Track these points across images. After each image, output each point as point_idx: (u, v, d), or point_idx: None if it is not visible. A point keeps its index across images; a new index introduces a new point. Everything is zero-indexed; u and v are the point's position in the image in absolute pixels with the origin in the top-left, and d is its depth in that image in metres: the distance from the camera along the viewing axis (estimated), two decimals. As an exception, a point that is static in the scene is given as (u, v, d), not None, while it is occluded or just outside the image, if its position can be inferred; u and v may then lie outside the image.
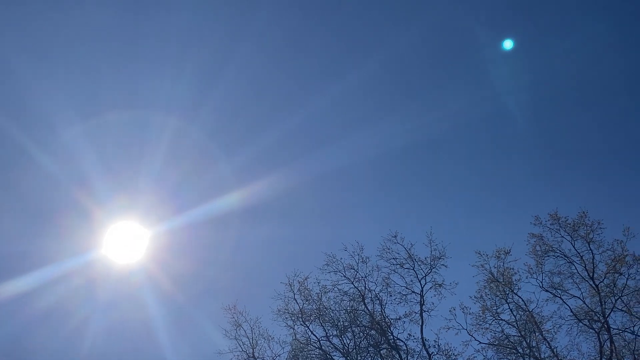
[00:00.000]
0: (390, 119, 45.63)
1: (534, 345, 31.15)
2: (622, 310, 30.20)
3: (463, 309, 31.48)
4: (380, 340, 31.86)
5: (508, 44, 42.50)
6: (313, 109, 43.72)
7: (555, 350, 30.55)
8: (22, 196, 40.49)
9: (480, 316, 31.46)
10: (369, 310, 32.21)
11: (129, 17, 40.66)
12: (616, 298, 29.79)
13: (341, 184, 48.25)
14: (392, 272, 32.20)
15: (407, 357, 31.25)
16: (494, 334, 31.44)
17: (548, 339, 30.80)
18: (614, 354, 29.24)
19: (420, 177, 49.79)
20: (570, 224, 30.98)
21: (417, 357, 31.52)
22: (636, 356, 29.86)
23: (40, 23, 39.47)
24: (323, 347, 32.15)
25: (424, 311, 31.56)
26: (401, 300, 32.09)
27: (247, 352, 32.35)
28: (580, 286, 30.87)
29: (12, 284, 36.03)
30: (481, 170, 47.61)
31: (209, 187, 42.38)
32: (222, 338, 33.06)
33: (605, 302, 29.86)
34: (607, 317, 29.63)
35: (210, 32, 42.16)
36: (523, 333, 31.09)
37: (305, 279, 32.80)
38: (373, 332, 32.05)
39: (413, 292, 31.98)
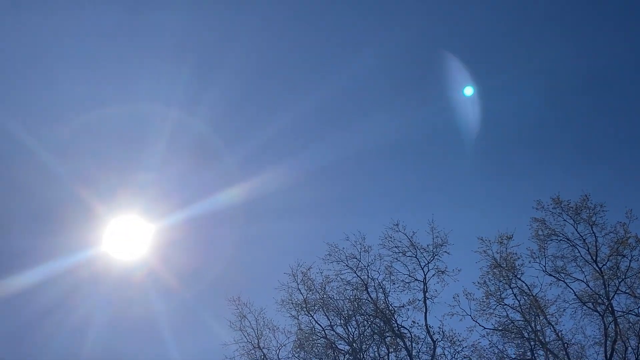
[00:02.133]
0: (388, 112, 45.42)
1: (538, 329, 31.21)
2: (626, 293, 30.05)
3: (467, 295, 31.49)
4: (384, 328, 31.94)
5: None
6: (314, 102, 43.47)
7: (560, 333, 30.55)
8: (22, 192, 40.54)
9: (484, 302, 31.45)
10: (372, 298, 32.28)
11: (128, 11, 40.49)
12: (620, 280, 29.68)
13: (342, 177, 48.02)
14: (395, 260, 32.20)
15: (411, 344, 31.32)
16: (498, 319, 31.47)
17: (552, 323, 30.79)
18: (618, 336, 29.22)
19: (419, 165, 49.52)
20: (572, 208, 30.82)
21: (422, 344, 31.62)
22: (641, 338, 29.85)
23: (40, 18, 39.35)
24: (328, 336, 32.30)
25: (428, 298, 31.60)
26: (404, 288, 32.12)
27: (253, 342, 32.58)
28: (583, 269, 30.77)
29: (14, 280, 36.15)
30: (481, 156, 47.27)
31: (211, 181, 42.35)
32: (225, 332, 33.28)
33: (608, 285, 29.77)
34: (611, 299, 29.56)
35: (209, 25, 41.95)
36: (527, 317, 31.08)
37: (308, 269, 32.95)
38: (377, 320, 32.14)
39: (416, 279, 31.98)
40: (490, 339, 31.44)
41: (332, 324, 32.45)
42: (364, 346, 32.09)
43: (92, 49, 40.68)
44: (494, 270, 31.41)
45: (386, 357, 31.85)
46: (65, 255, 37.41)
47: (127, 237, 38.82)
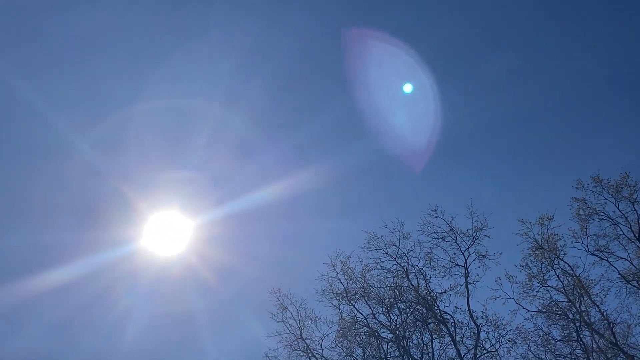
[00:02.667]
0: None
1: (583, 309, 30.87)
2: (672, 269, 29.81)
3: (509, 278, 31.28)
4: (427, 314, 31.79)
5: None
6: (353, 101, 43.25)
7: (605, 313, 30.27)
8: (66, 187, 40.92)
9: (527, 284, 31.20)
10: (413, 285, 32.12)
11: (171, 10, 40.78)
12: (665, 256, 29.42)
13: (381, 174, 47.78)
14: (435, 246, 32.06)
15: (455, 329, 31.15)
16: (542, 301, 31.24)
17: (597, 303, 30.51)
18: (665, 314, 28.92)
19: (459, 150, 48.96)
20: (612, 186, 30.53)
21: (465, 329, 31.47)
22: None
23: (84, 18, 39.78)
24: (370, 325, 32.17)
25: (469, 283, 31.41)
26: (445, 274, 31.95)
27: (295, 333, 32.51)
28: (626, 247, 30.43)
29: (57, 273, 36.52)
30: (519, 138, 46.80)
31: (250, 179, 42.41)
32: (263, 329, 33.33)
33: (653, 262, 29.51)
34: (657, 276, 29.30)
35: (252, 22, 41.88)
36: (571, 298, 30.78)
37: (348, 259, 32.90)
38: (419, 307, 31.99)
39: (457, 264, 31.79)
40: (534, 322, 31.35)
41: (374, 312, 32.35)
42: (407, 333, 31.96)
43: (135, 46, 40.92)
44: (536, 252, 31.13)
45: (430, 343, 31.70)
46: (106, 249, 37.74)
47: (166, 232, 39.03)
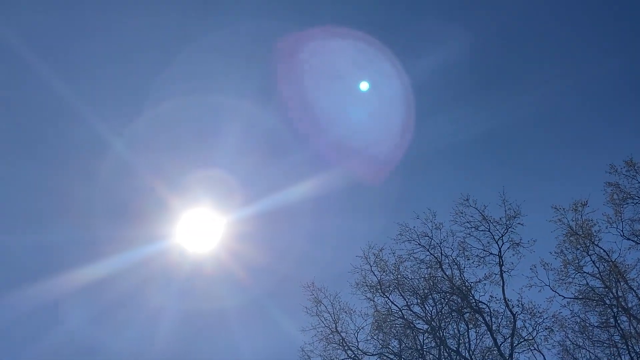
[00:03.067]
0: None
1: (620, 295, 30.61)
2: None
3: (544, 265, 31.08)
4: (462, 304, 31.70)
5: None
6: (388, 99, 43.10)
7: (642, 298, 30.04)
8: (101, 184, 41.27)
9: (562, 271, 31.02)
10: (447, 275, 32.03)
11: (201, 3, 41.00)
12: (702, 238, 29.14)
13: (412, 173, 47.64)
14: (468, 235, 31.87)
15: (491, 318, 31.06)
16: (578, 288, 31.01)
17: (634, 288, 30.23)
18: None
19: (490, 140, 48.66)
20: (646, 169, 30.32)
21: (501, 318, 31.38)
22: None
23: (120, 17, 40.24)
24: (405, 316, 32.15)
25: (504, 271, 31.24)
26: (479, 263, 31.82)
27: (330, 327, 32.52)
28: (662, 230, 30.24)
29: (92, 269, 36.94)
30: (551, 125, 46.44)
31: (281, 176, 42.41)
32: (295, 327, 33.41)
33: (690, 244, 29.24)
34: (694, 259, 29.03)
35: (285, 17, 41.86)
36: (608, 284, 30.51)
37: (380, 251, 32.83)
38: (454, 297, 31.89)
39: (491, 253, 31.63)
40: (571, 308, 31.17)
41: (409, 303, 32.31)
42: (442, 324, 31.89)
43: (166, 44, 41.14)
44: (571, 239, 30.92)
45: (466, 333, 31.66)
46: (140, 246, 38.04)
47: (198, 230, 39.22)
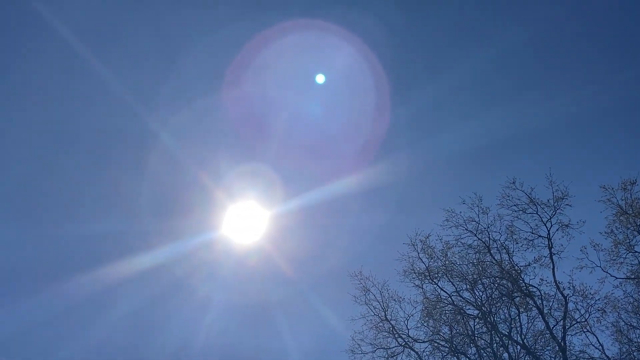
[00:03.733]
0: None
1: (674, 273, 30.28)
2: None
3: (594, 246, 30.61)
4: (512, 288, 31.49)
5: None
6: (431, 95, 43.01)
7: (697, 275, 29.63)
8: (150, 176, 41.78)
9: (613, 251, 30.53)
10: (496, 260, 31.84)
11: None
12: None
13: (456, 169, 47.40)
14: (515, 219, 31.51)
15: (542, 302, 30.82)
16: (630, 267, 30.46)
17: (688, 265, 29.88)
18: None
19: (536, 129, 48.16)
20: (697, 144, 29.97)
21: (553, 301, 31.12)
22: None
23: (164, 8, 40.76)
24: (455, 302, 32.05)
25: (554, 254, 30.90)
26: (528, 246, 31.50)
27: (379, 315, 32.57)
28: None
29: (141, 260, 37.45)
30: (595, 103, 45.82)
31: (326, 170, 42.47)
32: (340, 319, 33.47)
33: None
34: None
35: (328, 15, 41.89)
36: (661, 262, 30.21)
37: (427, 237, 32.75)
38: (504, 281, 31.70)
39: (539, 236, 31.29)
40: (623, 289, 30.69)
41: (458, 289, 32.19)
42: (493, 309, 31.76)
43: (212, 35, 41.40)
44: (621, 218, 30.48)
45: (517, 317, 31.45)
46: (188, 237, 38.41)
47: (244, 223, 39.52)
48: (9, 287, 42.32)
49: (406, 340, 32.10)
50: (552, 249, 30.99)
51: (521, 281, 31.33)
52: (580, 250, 30.74)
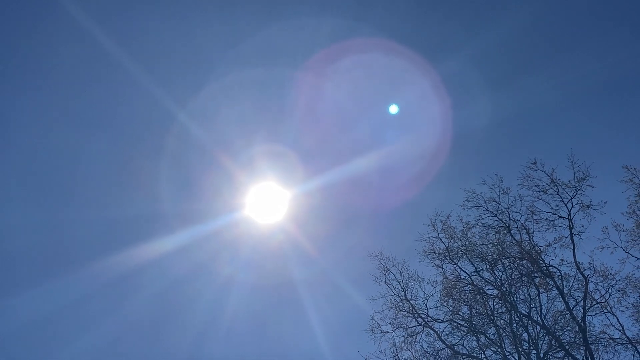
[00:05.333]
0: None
1: (697, 253, 30.09)
2: None
3: (615, 226, 30.48)
4: (532, 269, 31.51)
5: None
6: (452, 68, 42.62)
7: None
8: (170, 158, 42.24)
9: (635, 232, 30.37)
10: (516, 240, 31.85)
11: None
12: None
13: (481, 142, 47.08)
14: (536, 199, 31.46)
15: (562, 282, 30.82)
16: (652, 248, 30.52)
17: None
18: None
19: (558, 103, 47.59)
20: None
21: (573, 282, 31.14)
22: None
23: None
24: (474, 282, 32.18)
25: (574, 235, 30.78)
26: (549, 227, 31.40)
27: (399, 295, 32.78)
28: None
29: (164, 242, 38.13)
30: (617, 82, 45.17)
31: (346, 148, 42.49)
32: (362, 296, 33.66)
33: None
34: None
35: None
36: (683, 243, 30.02)
37: (448, 217, 32.87)
38: (524, 262, 31.71)
39: (560, 217, 31.22)
40: (645, 269, 30.61)
41: (478, 269, 32.27)
42: (512, 289, 31.82)
43: (231, 15, 41.49)
44: (643, 199, 30.42)
45: (537, 298, 31.51)
46: (210, 219, 38.89)
47: (265, 203, 39.91)
48: (35, 271, 43.19)
49: (425, 319, 32.30)
50: (573, 230, 30.89)
51: (541, 261, 31.33)
52: (602, 230, 30.69)
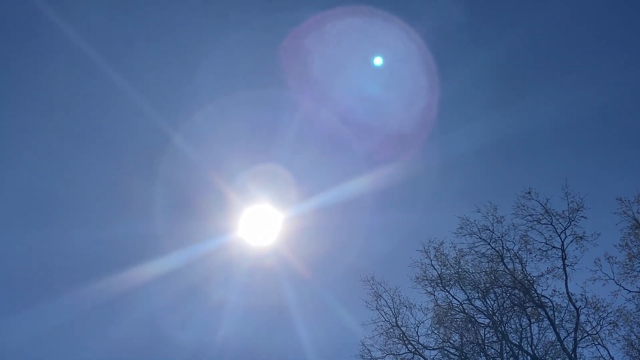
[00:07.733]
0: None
1: (689, 287, 30.11)
2: None
3: (608, 258, 30.45)
4: (524, 298, 31.45)
5: None
6: (449, 90, 42.77)
7: None
8: (162, 179, 41.98)
9: (628, 264, 30.38)
10: (509, 269, 31.80)
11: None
12: None
13: (475, 166, 47.16)
14: (530, 229, 31.45)
15: (554, 313, 30.77)
16: (644, 281, 30.52)
17: (702, 281, 29.70)
18: None
19: (553, 133, 47.70)
20: None
21: (564, 312, 31.07)
22: None
23: (176, 12, 40.95)
24: (466, 311, 32.06)
25: (567, 265, 30.81)
26: (542, 257, 31.40)
27: (390, 321, 32.63)
28: None
29: (155, 264, 37.72)
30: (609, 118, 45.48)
31: (339, 171, 42.46)
32: (356, 320, 33.57)
33: None
34: None
35: (343, 16, 41.74)
36: (675, 277, 30.04)
37: (441, 244, 32.81)
38: (516, 291, 31.65)
39: (553, 247, 31.18)
40: (636, 302, 30.43)
41: (470, 297, 32.21)
42: (504, 318, 31.73)
43: (223, 36, 41.51)
44: (636, 231, 30.35)
45: (528, 328, 31.42)
46: (203, 240, 38.59)
47: (258, 225, 39.70)
48: (22, 293, 42.66)
49: (416, 347, 32.14)
50: (566, 260, 30.93)
51: (533, 291, 31.29)
52: (594, 262, 30.65)
